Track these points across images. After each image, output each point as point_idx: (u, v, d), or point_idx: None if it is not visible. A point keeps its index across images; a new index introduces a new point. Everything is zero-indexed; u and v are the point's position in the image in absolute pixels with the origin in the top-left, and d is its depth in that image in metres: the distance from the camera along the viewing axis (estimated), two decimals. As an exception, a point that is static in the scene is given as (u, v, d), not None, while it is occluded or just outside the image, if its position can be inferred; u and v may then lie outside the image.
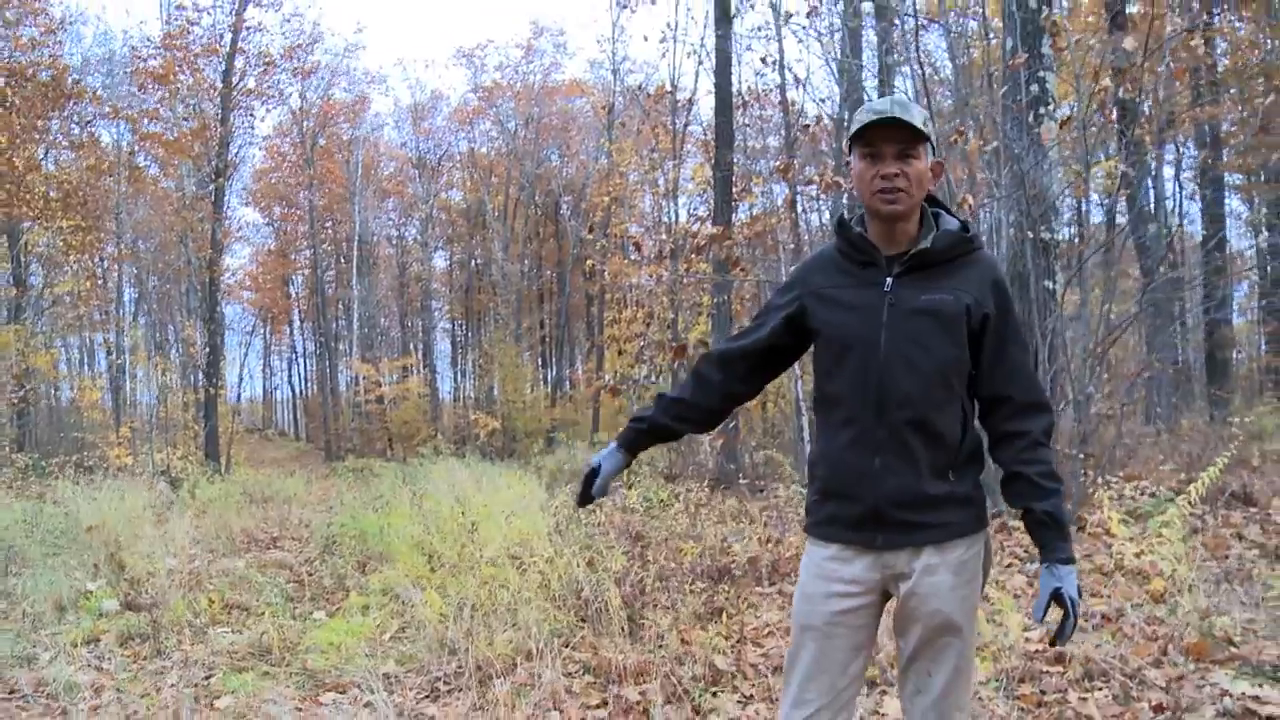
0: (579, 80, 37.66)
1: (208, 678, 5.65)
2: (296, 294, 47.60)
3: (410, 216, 43.72)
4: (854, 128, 2.22)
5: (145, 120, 24.11)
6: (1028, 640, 4.07)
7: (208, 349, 24.12)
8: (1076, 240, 10.38)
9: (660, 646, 4.65)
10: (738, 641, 4.55)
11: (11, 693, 5.27)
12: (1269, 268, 22.67)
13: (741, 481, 8.40)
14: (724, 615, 4.80)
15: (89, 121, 25.33)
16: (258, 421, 57.77)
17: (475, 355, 40.67)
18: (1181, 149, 23.27)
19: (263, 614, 7.18)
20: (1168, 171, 22.69)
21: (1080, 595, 2.15)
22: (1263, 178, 20.74)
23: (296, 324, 50.98)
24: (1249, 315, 28.50)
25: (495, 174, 39.05)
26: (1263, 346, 25.69)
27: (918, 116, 2.17)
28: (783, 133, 22.64)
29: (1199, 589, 4.40)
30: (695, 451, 12.13)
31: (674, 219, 30.18)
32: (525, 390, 36.30)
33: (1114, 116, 7.31)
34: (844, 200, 14.29)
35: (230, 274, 39.07)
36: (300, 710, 4.67)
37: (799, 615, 2.30)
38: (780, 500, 7.90)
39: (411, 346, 44.60)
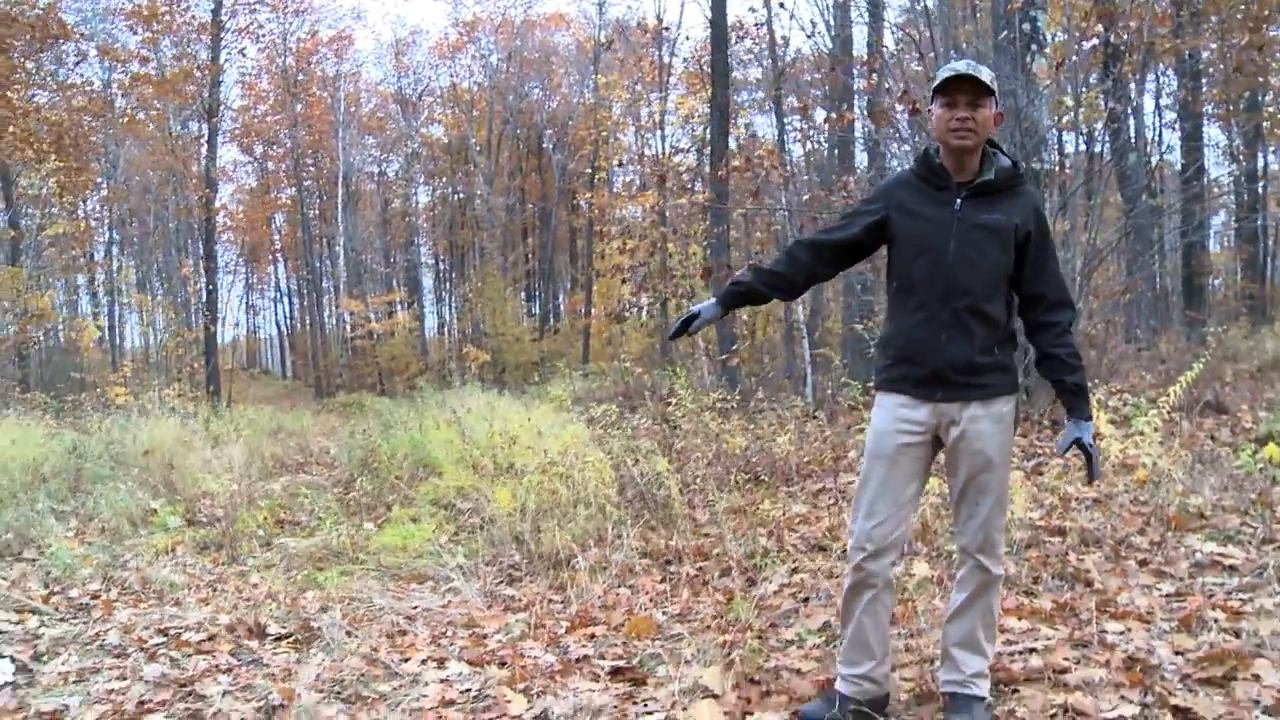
0: (561, 13, 37.61)
1: (288, 576, 6.26)
2: (279, 232, 47.55)
3: (391, 153, 43.66)
4: (937, 82, 2.84)
5: (135, 61, 24.16)
6: (1032, 517, 4.75)
7: (207, 288, 24.40)
8: (1056, 169, 10.95)
9: (704, 535, 5.31)
10: (774, 529, 5.20)
11: (123, 589, 5.88)
12: (1245, 195, 23.33)
13: (758, 397, 9.02)
14: (759, 507, 5.46)
15: (78, 62, 25.37)
16: (242, 360, 57.98)
17: (462, 290, 40.89)
18: (1162, 79, 23.76)
19: (317, 526, 7.82)
20: (1148, 103, 23.18)
21: (1096, 441, 2.79)
22: (1242, 106, 21.34)
23: (280, 262, 50.93)
24: (1225, 243, 29.28)
25: (477, 108, 39.00)
26: (1239, 273, 26.52)
27: (985, 75, 2.80)
28: (768, 63, 23.02)
29: (1176, 476, 5.07)
30: (699, 375, 12.76)
31: (660, 150, 30.64)
32: (513, 324, 36.82)
33: (1100, 56, 7.83)
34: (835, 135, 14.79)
35: (222, 212, 39.06)
36: (396, 596, 5.29)
37: (871, 449, 2.95)
38: (798, 411, 8.54)
39: (396, 283, 44.76)
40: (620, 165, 34.52)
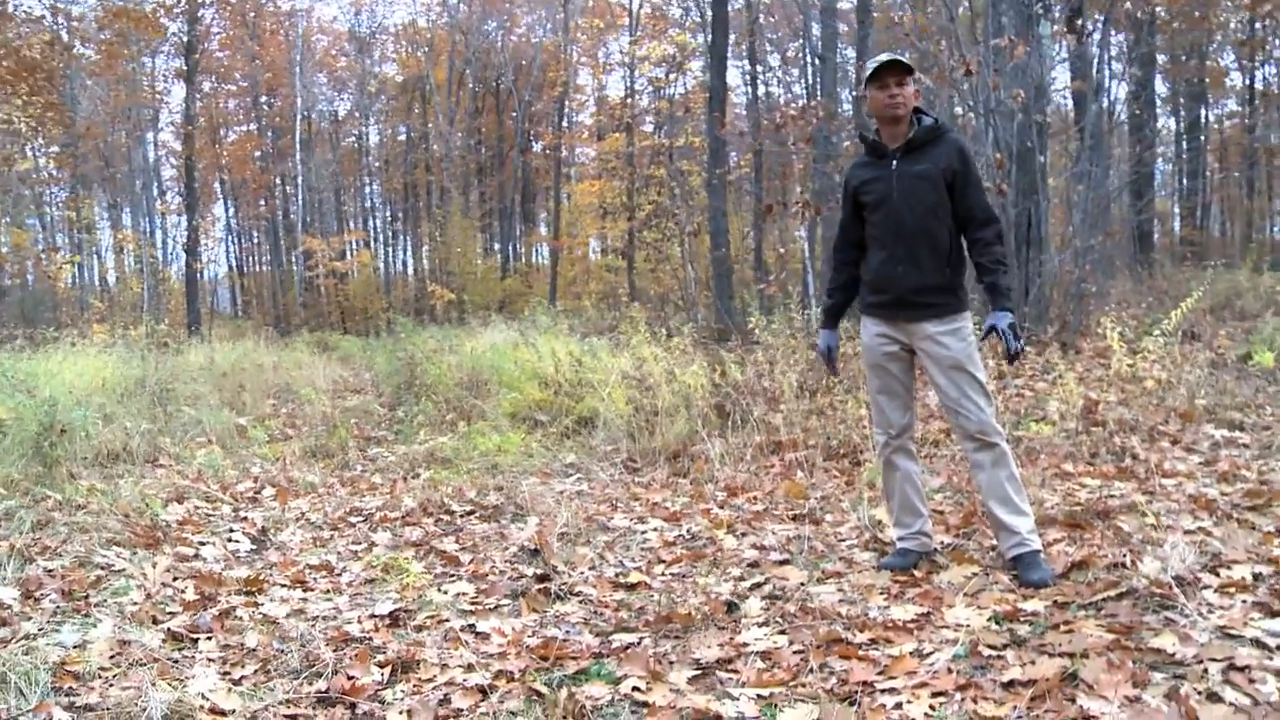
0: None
1: (405, 476, 7.11)
2: (226, 170, 47.08)
3: (344, 91, 43.49)
4: (869, 71, 3.66)
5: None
6: (1080, 411, 5.86)
7: (189, 226, 24.69)
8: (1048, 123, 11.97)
9: (794, 429, 6.33)
10: (854, 423, 6.25)
11: (273, 485, 6.71)
12: (1185, 147, 24.83)
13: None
14: (844, 406, 6.49)
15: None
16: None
17: (425, 228, 41.24)
18: (1111, 32, 24.91)
19: (397, 438, 8.70)
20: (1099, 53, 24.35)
21: (1014, 330, 3.53)
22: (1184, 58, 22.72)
23: (230, 203, 50.43)
24: (1166, 191, 30.98)
25: (436, 48, 39.07)
26: (1176, 223, 28.19)
27: (905, 59, 3.65)
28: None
29: (1186, 382, 6.23)
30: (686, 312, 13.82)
31: (628, 93, 31.41)
32: (477, 263, 37.42)
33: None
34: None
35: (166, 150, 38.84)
36: (541, 484, 6.24)
37: (866, 361, 3.87)
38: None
39: (355, 223, 44.86)
40: (582, 106, 35.19)
